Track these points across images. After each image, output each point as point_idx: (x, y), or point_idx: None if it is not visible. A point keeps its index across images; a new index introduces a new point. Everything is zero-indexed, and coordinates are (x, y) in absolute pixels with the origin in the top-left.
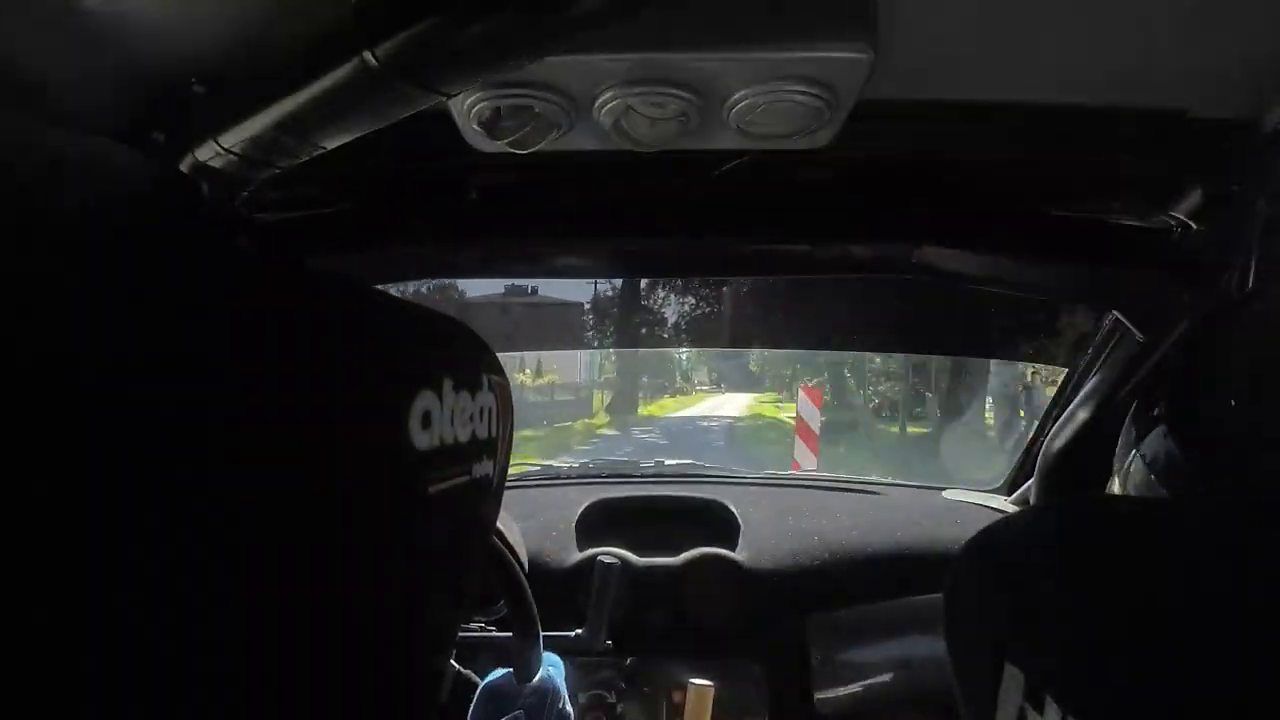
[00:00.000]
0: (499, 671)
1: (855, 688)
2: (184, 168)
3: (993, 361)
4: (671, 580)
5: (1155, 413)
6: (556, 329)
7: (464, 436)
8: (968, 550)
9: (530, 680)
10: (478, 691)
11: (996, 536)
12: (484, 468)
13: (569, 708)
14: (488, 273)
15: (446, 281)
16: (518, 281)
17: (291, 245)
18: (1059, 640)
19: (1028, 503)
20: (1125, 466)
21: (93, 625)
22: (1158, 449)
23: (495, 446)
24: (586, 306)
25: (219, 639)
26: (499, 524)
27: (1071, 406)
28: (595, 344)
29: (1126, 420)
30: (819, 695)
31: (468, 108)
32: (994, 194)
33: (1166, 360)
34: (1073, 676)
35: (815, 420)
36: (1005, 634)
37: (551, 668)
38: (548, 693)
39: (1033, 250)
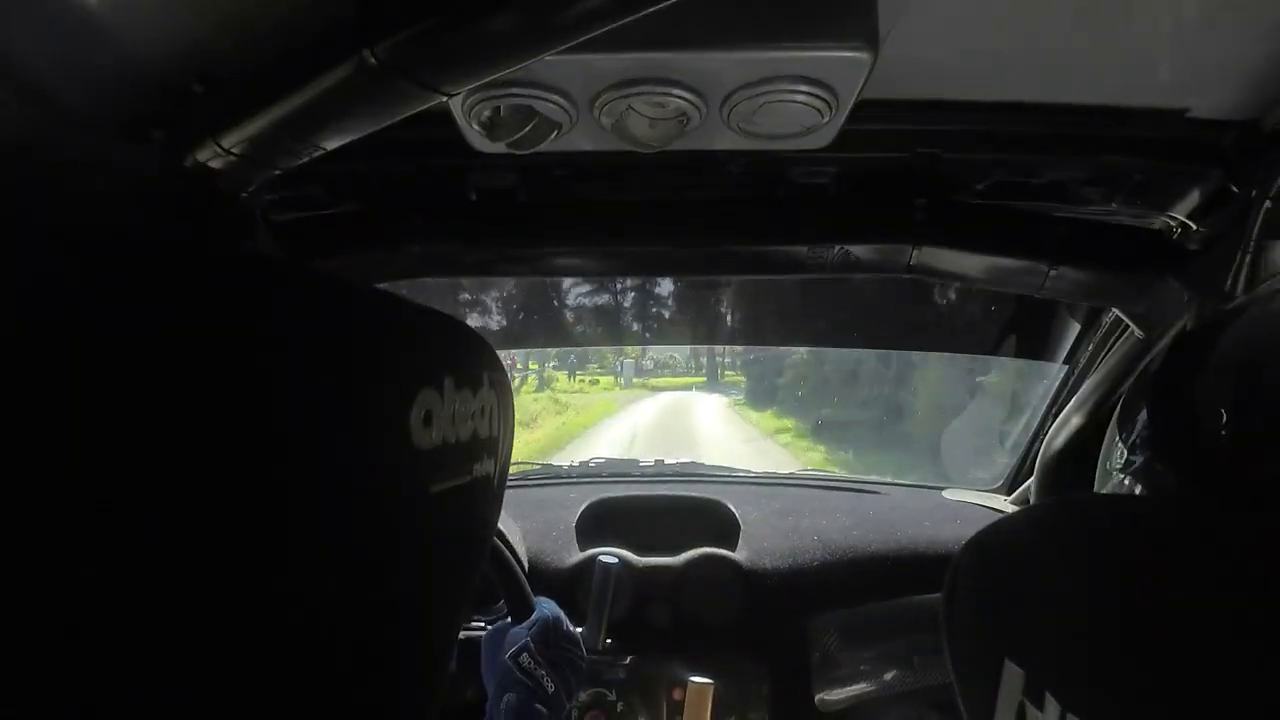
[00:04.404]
0: (499, 621)
1: (855, 687)
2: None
3: None
4: (671, 580)
5: (1139, 416)
6: (554, 326)
7: (465, 435)
8: (967, 550)
9: (528, 617)
10: (483, 637)
11: (996, 535)
12: (485, 466)
13: (574, 629)
14: (488, 272)
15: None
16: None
17: (291, 245)
18: (1059, 638)
19: (1027, 502)
20: (1107, 468)
21: (98, 623)
22: (1140, 452)
23: (496, 445)
24: (582, 303)
25: (221, 639)
26: (499, 524)
27: (1071, 406)
28: (589, 342)
29: (1111, 422)
30: (819, 694)
31: (468, 108)
32: (994, 194)
33: (1152, 363)
34: (1072, 674)
35: None
36: (1005, 632)
37: (545, 603)
38: (548, 619)
39: (1032, 250)
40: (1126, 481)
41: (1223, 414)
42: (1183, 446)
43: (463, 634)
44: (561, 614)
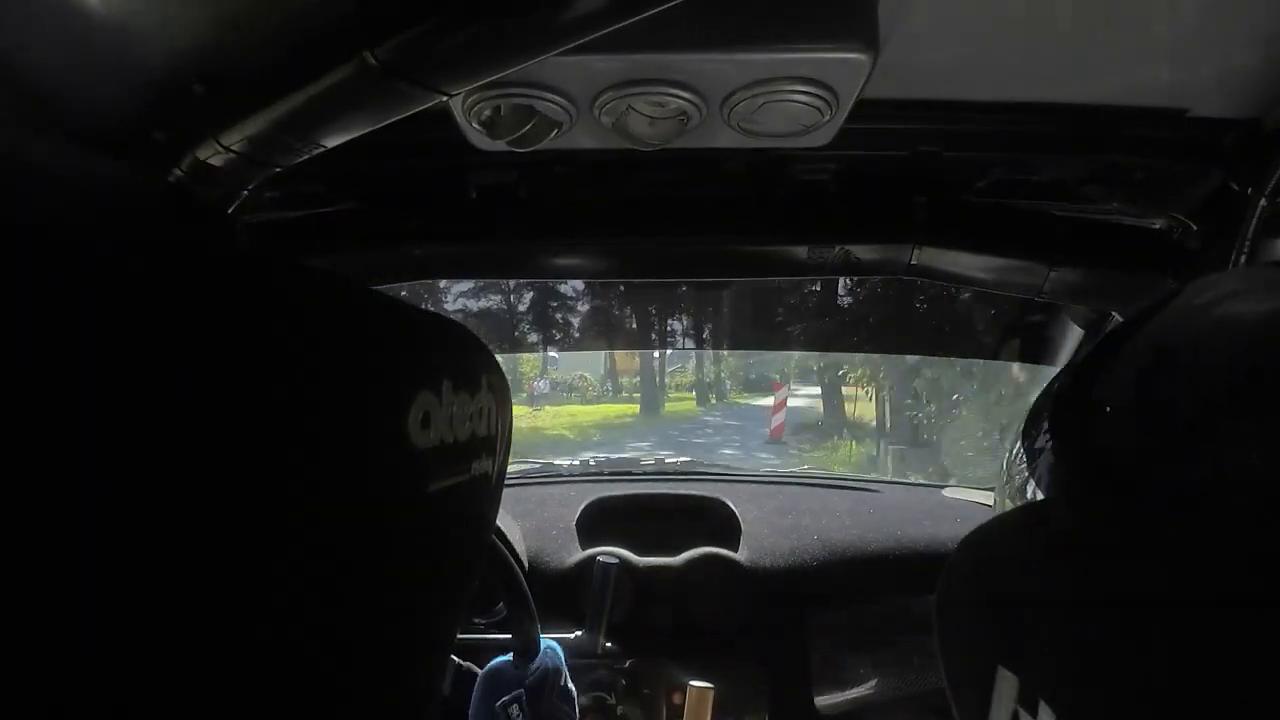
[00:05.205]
0: (500, 658)
1: (855, 688)
2: (184, 167)
3: None
4: (672, 580)
5: (1044, 422)
6: (554, 329)
7: (463, 435)
8: (959, 551)
9: (531, 663)
10: (480, 675)
11: (988, 536)
12: (483, 465)
13: (571, 685)
14: (488, 273)
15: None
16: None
17: (291, 244)
18: (1052, 643)
19: None
20: (1008, 473)
21: (90, 627)
22: (1042, 458)
23: (494, 444)
24: (583, 307)
25: (215, 638)
26: (499, 523)
27: None
28: (591, 345)
29: (1022, 426)
30: (819, 696)
31: (468, 107)
32: (994, 194)
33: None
34: (1066, 680)
35: None
36: (997, 637)
37: (550, 650)
38: (548, 671)
39: (1032, 250)
40: (1017, 487)
41: (1120, 412)
42: (1079, 445)
43: (461, 663)
44: (563, 665)
